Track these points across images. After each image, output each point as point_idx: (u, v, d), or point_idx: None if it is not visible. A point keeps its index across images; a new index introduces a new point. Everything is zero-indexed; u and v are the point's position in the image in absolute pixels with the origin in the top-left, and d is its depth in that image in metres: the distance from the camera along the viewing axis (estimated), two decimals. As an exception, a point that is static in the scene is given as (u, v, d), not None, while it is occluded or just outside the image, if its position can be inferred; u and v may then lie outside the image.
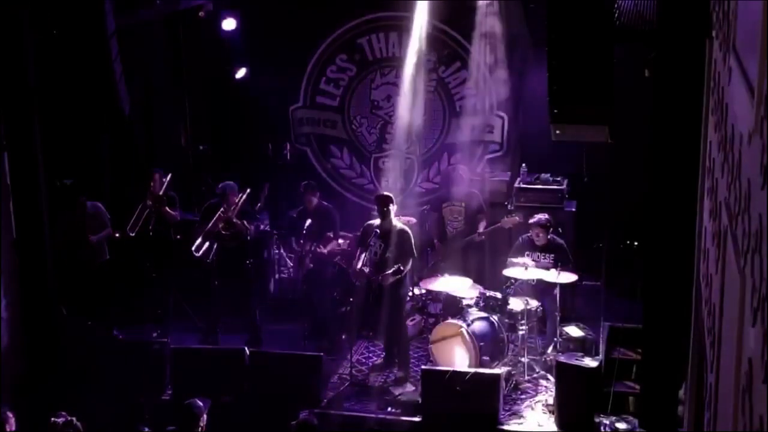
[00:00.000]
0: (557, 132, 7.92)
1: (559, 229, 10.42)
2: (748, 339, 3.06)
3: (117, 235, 10.46)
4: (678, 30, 7.60)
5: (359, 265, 9.71)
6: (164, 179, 10.42)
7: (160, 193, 10.31)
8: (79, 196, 10.10)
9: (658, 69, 8.09)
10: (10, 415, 7.69)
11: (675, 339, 8.25)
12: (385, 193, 10.00)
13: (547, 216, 10.00)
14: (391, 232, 9.56)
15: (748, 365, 3.01)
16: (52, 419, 7.44)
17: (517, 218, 10.32)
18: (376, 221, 9.70)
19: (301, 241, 10.49)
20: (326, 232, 10.49)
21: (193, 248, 10.09)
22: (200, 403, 7.50)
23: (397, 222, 9.73)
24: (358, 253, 9.91)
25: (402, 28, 11.94)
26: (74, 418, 7.43)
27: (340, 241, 10.66)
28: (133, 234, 10.20)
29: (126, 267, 10.74)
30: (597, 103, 7.56)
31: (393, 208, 9.65)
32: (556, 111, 7.62)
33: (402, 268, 9.41)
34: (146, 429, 7.55)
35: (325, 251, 10.43)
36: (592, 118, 7.73)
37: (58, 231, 10.04)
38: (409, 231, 9.71)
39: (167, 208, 10.34)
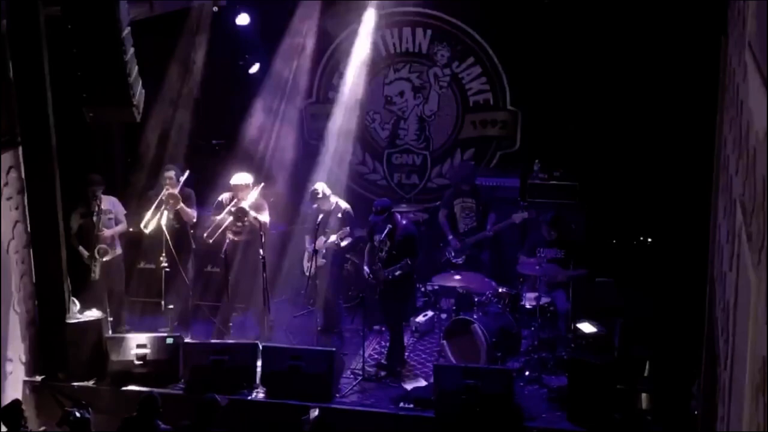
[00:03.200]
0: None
1: (572, 225, 10.40)
2: (762, 336, 3.05)
3: (131, 229, 10.49)
4: (693, 27, 7.59)
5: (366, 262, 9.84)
6: (180, 177, 10.41)
7: (176, 191, 10.31)
8: (95, 190, 10.11)
9: (673, 66, 8.07)
10: (24, 408, 7.75)
11: (688, 336, 8.24)
12: (383, 199, 10.00)
13: (557, 213, 9.98)
14: (397, 231, 9.58)
15: (762, 362, 3.01)
16: (67, 409, 7.50)
17: (526, 213, 10.30)
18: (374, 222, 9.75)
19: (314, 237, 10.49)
20: (343, 228, 10.48)
21: (206, 234, 10.11)
22: (218, 398, 7.54)
23: (403, 220, 9.77)
24: (367, 249, 9.99)
25: (415, 24, 11.92)
26: (87, 410, 7.48)
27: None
28: (148, 231, 10.22)
29: (141, 262, 10.77)
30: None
31: (393, 209, 9.76)
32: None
33: (409, 262, 9.45)
34: (159, 422, 7.58)
35: (342, 244, 10.42)
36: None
37: (72, 224, 10.07)
38: (414, 232, 9.75)
39: (184, 207, 10.34)
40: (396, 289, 9.64)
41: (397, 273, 9.46)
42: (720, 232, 6.31)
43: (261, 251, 10.02)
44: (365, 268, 9.90)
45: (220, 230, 10.06)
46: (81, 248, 10.03)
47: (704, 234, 7.62)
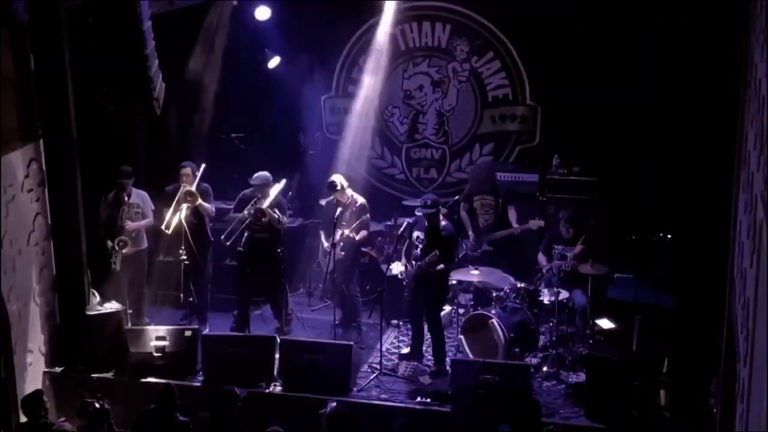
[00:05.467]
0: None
1: (591, 221, 10.36)
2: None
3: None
4: (715, 22, 7.54)
5: (400, 265, 9.79)
6: (197, 172, 10.42)
7: (193, 187, 10.33)
8: (124, 182, 10.16)
9: (694, 61, 8.03)
10: (45, 399, 7.80)
11: (707, 332, 8.20)
12: (431, 194, 9.95)
13: (574, 210, 9.95)
14: (437, 231, 9.56)
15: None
16: (86, 400, 7.55)
17: (542, 222, 10.27)
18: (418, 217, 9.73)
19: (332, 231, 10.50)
20: (359, 221, 10.47)
21: (223, 237, 10.14)
22: (237, 391, 7.56)
23: (443, 221, 9.73)
24: (405, 247, 9.95)
25: (435, 18, 11.91)
26: (105, 402, 7.53)
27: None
28: (170, 231, 10.22)
29: (160, 255, 10.80)
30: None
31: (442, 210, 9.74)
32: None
33: (438, 254, 9.46)
34: (177, 414, 7.62)
35: (357, 237, 10.41)
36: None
37: (101, 214, 10.13)
38: (455, 235, 9.74)
39: (202, 203, 10.36)
40: (432, 285, 9.63)
41: (437, 267, 9.45)
42: (740, 228, 6.27)
43: (279, 246, 10.04)
44: (403, 266, 9.86)
45: (238, 232, 10.09)
46: (109, 242, 10.07)
47: (724, 230, 7.59)
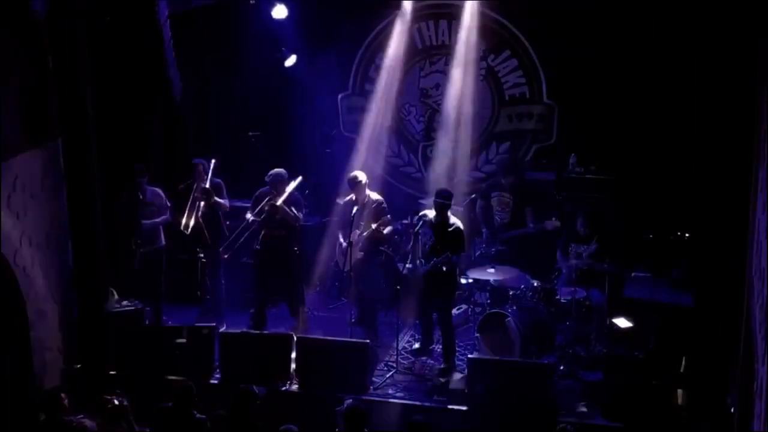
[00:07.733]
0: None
1: (608, 219, 10.33)
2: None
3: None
4: (735, 21, 7.52)
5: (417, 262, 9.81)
6: (208, 168, 10.46)
7: (206, 184, 10.37)
8: (139, 180, 10.20)
9: (711, 59, 7.99)
10: (63, 396, 7.84)
11: (725, 331, 8.17)
12: (445, 188, 9.93)
13: (591, 208, 9.93)
14: (445, 226, 9.56)
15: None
16: (105, 396, 7.59)
17: (558, 223, 10.26)
18: (430, 212, 9.70)
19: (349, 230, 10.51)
20: (380, 217, 10.47)
21: (221, 249, 10.12)
22: (255, 389, 7.59)
23: (451, 216, 9.71)
24: (411, 247, 9.95)
25: (452, 16, 11.90)
26: (124, 399, 7.56)
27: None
28: (188, 232, 10.27)
29: (177, 253, 10.84)
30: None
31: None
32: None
33: (450, 254, 9.41)
34: (195, 412, 7.65)
35: (384, 231, 10.40)
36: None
37: (115, 214, 10.17)
38: (462, 228, 9.73)
39: (217, 199, 10.42)
40: (440, 284, 9.62)
41: (442, 267, 9.42)
42: (759, 227, 6.25)
43: (295, 244, 10.06)
44: (408, 264, 9.85)
45: (240, 242, 10.14)
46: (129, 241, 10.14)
47: (742, 229, 7.56)
